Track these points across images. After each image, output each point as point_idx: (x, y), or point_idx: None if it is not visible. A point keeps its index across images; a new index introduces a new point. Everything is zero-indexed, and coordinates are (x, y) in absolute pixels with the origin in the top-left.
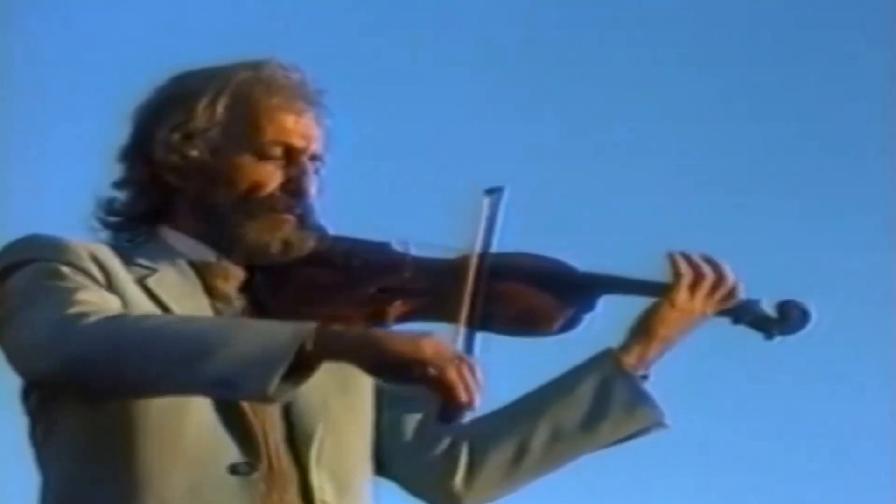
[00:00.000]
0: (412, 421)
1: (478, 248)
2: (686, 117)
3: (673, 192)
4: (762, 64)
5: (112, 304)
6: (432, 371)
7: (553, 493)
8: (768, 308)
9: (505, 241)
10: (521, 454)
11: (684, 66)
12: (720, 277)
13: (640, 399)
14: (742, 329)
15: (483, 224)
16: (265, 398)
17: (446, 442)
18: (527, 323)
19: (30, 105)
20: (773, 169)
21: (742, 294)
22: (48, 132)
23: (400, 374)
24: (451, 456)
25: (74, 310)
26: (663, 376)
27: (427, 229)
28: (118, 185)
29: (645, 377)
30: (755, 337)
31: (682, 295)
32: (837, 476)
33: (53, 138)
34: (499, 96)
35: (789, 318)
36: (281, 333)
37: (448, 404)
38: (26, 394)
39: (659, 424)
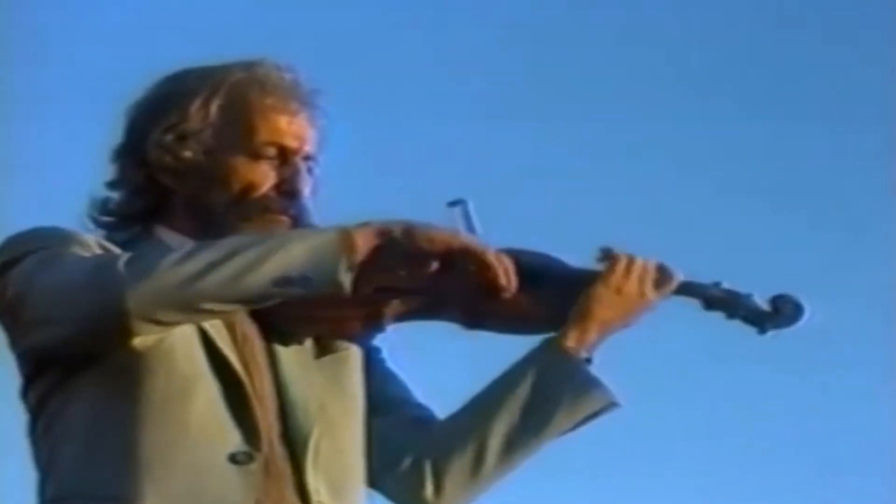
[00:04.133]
0: (385, 435)
1: None
2: (684, 116)
3: (671, 192)
4: (762, 62)
5: None
6: (471, 253)
7: (549, 491)
8: (761, 302)
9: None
10: (481, 456)
11: (682, 65)
12: (653, 263)
13: (585, 382)
14: (738, 325)
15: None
16: (339, 286)
17: (412, 455)
18: (522, 320)
19: (27, 106)
20: (773, 167)
21: (682, 278)
22: (45, 133)
23: (438, 258)
24: (418, 468)
25: (107, 256)
26: (662, 374)
27: None
28: (112, 185)
29: (588, 360)
30: (751, 333)
31: (615, 276)
32: (836, 476)
33: (50, 139)
34: (493, 97)
35: (783, 311)
36: (324, 232)
37: (487, 288)
38: (26, 389)
39: (611, 404)
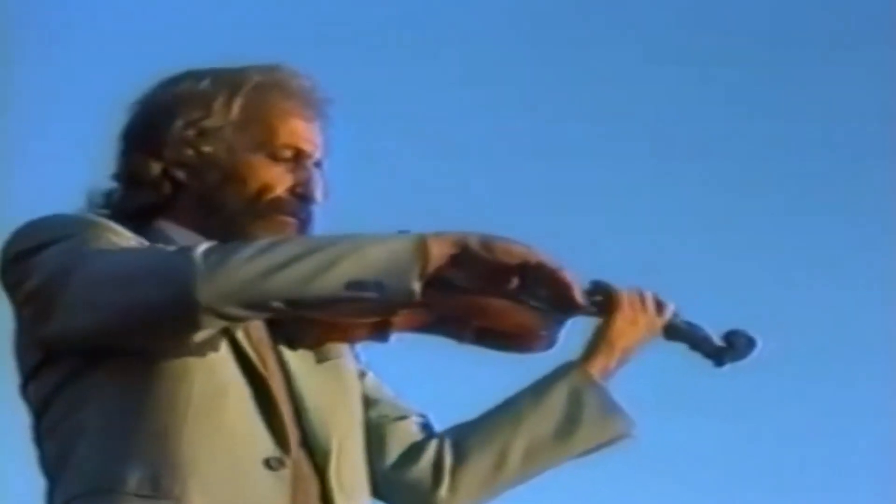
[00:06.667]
0: (394, 433)
1: None
2: (680, 116)
3: (669, 194)
4: (761, 63)
5: None
6: (547, 269)
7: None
8: (716, 337)
9: None
10: (500, 464)
11: (681, 66)
12: (647, 296)
13: (611, 408)
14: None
15: None
16: (411, 297)
17: (430, 454)
18: (514, 339)
19: (23, 102)
20: (772, 167)
21: (690, 321)
22: (42, 128)
23: (514, 271)
24: (436, 467)
25: (179, 247)
26: (664, 381)
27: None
28: (119, 177)
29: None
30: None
31: (632, 308)
32: (833, 481)
33: (47, 134)
34: (487, 99)
35: (736, 346)
36: (400, 238)
37: (557, 304)
38: (27, 384)
39: (627, 435)
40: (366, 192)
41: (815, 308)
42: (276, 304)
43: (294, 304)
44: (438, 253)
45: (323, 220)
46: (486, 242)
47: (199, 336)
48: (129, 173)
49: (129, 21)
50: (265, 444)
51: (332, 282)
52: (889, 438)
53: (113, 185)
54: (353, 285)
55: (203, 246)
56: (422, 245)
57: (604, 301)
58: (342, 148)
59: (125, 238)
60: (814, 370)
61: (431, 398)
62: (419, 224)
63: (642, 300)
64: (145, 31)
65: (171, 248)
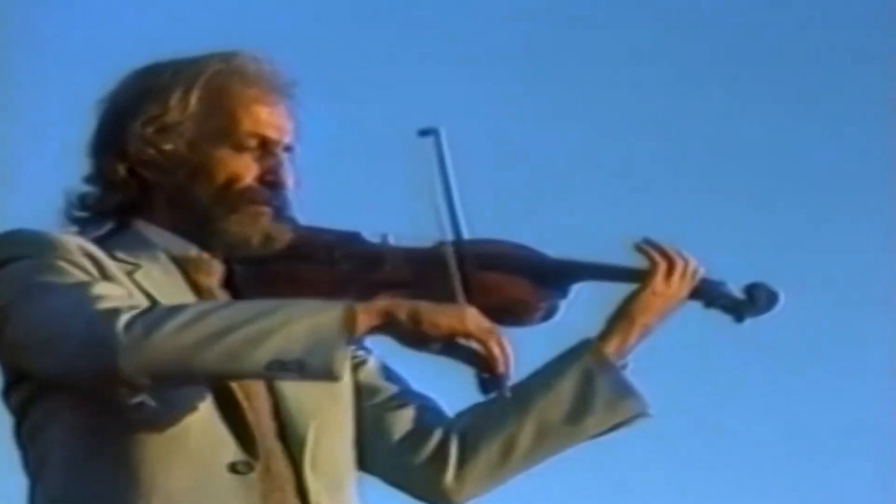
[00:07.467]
0: (398, 419)
1: (444, 208)
2: (680, 110)
3: (670, 189)
4: (762, 60)
5: (128, 296)
6: (476, 344)
7: (543, 487)
8: (736, 291)
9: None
10: (509, 450)
11: (680, 62)
12: (687, 260)
13: (623, 390)
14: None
15: (436, 168)
16: (332, 377)
17: (436, 440)
18: (509, 313)
19: (23, 101)
20: (772, 165)
21: (708, 276)
22: (22, 128)
23: (442, 346)
24: (442, 454)
25: (105, 304)
26: (670, 370)
27: (392, 221)
28: (90, 179)
29: (624, 366)
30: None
31: (660, 280)
32: (835, 474)
33: (45, 134)
34: (486, 99)
35: (757, 300)
36: (328, 310)
37: (488, 375)
38: (8, 391)
39: (643, 414)
40: (365, 191)
41: (815, 307)
42: (199, 377)
43: (216, 378)
44: (365, 324)
45: (324, 219)
46: (415, 314)
47: (126, 397)
48: (98, 175)
49: (128, 21)
50: (230, 449)
51: (254, 362)
52: (890, 438)
53: (87, 187)
54: (274, 365)
55: (129, 313)
56: (348, 318)
57: (640, 270)
58: (342, 147)
59: (80, 266)
60: (814, 368)
61: (442, 382)
62: (419, 223)
63: (685, 268)
64: (144, 31)
65: (103, 305)
